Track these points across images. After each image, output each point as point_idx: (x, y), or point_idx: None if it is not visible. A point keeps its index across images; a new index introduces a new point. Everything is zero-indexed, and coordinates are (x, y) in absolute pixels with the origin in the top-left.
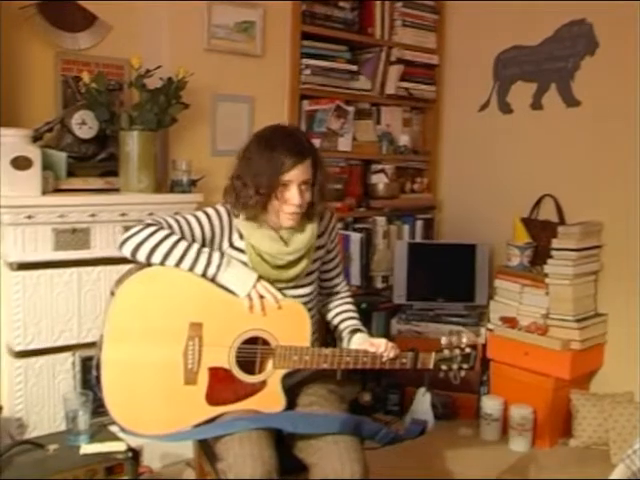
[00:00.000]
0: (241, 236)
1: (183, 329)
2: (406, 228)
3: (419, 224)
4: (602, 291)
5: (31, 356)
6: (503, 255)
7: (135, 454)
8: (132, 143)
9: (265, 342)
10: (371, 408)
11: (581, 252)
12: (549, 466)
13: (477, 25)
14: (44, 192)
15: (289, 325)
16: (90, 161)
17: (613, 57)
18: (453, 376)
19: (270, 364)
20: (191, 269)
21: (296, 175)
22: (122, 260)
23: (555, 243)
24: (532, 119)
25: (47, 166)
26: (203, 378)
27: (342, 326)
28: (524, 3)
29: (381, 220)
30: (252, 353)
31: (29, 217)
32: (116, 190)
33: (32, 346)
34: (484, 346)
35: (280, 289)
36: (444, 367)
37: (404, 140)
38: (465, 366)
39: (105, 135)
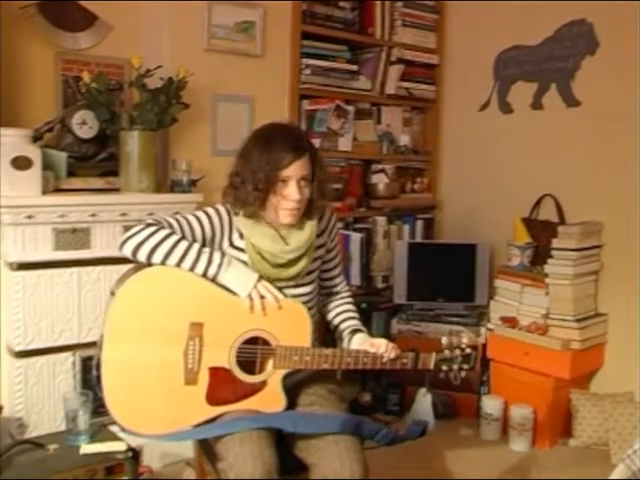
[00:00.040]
0: (241, 235)
1: (183, 329)
2: (406, 228)
3: (419, 224)
4: (602, 291)
5: (31, 356)
6: (503, 255)
7: (135, 454)
8: (132, 143)
9: (265, 342)
10: (371, 408)
11: (581, 252)
12: (549, 466)
13: (477, 25)
14: (44, 192)
15: (290, 325)
16: (90, 161)
17: (613, 57)
18: (453, 376)
19: (270, 364)
20: (192, 269)
21: (295, 171)
22: (122, 260)
23: (555, 243)
24: (532, 119)
25: (47, 166)
26: (203, 378)
27: (342, 326)
28: (524, 3)
29: (381, 220)
30: (252, 353)
31: (29, 217)
32: (116, 190)
33: (32, 346)
34: (484, 346)
35: (280, 288)
36: (444, 367)
37: (404, 140)
38: (465, 366)
39: (105, 135)
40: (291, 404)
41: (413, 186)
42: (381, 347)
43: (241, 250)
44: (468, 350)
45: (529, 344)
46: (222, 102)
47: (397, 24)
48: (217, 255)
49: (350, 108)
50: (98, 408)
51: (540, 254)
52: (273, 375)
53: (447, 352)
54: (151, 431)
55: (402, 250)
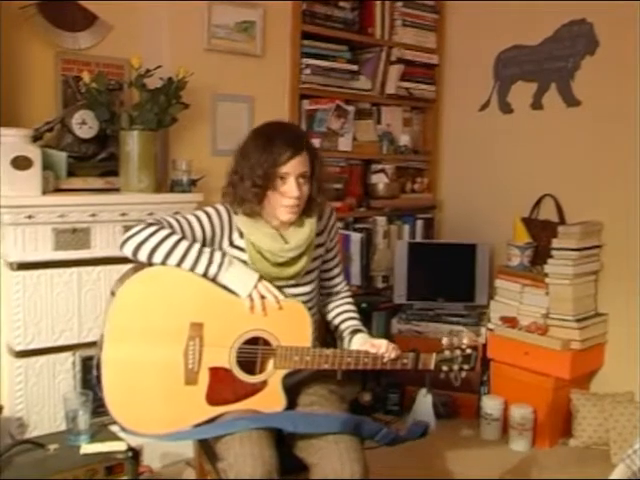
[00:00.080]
0: (241, 234)
1: (184, 329)
2: (406, 228)
3: (419, 224)
4: (602, 291)
5: (31, 356)
6: (503, 255)
7: (135, 454)
8: (132, 143)
9: (266, 342)
10: (371, 408)
11: (581, 252)
12: (549, 466)
13: (477, 25)
14: (44, 192)
15: (290, 325)
16: (90, 161)
17: (613, 57)
18: (454, 377)
19: (271, 364)
20: (192, 269)
21: (293, 167)
22: (122, 260)
23: (555, 243)
24: (532, 119)
25: (47, 166)
26: (204, 378)
27: (343, 326)
28: (524, 3)
29: (381, 220)
30: (253, 353)
31: (29, 217)
32: (116, 190)
33: (32, 346)
34: (484, 346)
35: (280, 287)
36: (445, 368)
37: (404, 140)
38: (466, 367)
39: (105, 135)
40: (291, 404)
41: (413, 186)
42: (382, 347)
43: (241, 249)
44: (468, 350)
45: (529, 344)
46: (222, 102)
47: (397, 24)
48: (218, 255)
49: (350, 108)
50: (98, 408)
51: (540, 254)
52: (273, 375)
53: (447, 352)
54: (151, 431)
55: (402, 250)
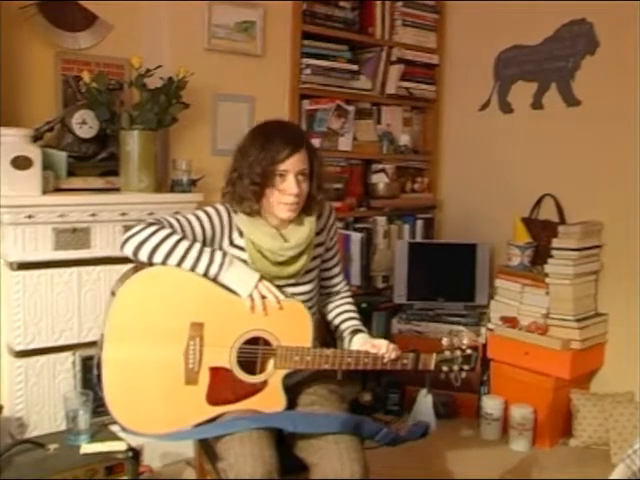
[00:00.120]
0: (241, 234)
1: (184, 329)
2: (406, 228)
3: (419, 224)
4: (602, 291)
5: (31, 356)
6: (503, 255)
7: (135, 453)
8: (132, 143)
9: (266, 342)
10: (371, 408)
11: (581, 252)
12: (549, 466)
13: (477, 25)
14: (44, 192)
15: (290, 325)
16: (90, 161)
17: (613, 57)
18: (454, 377)
19: (271, 364)
20: (193, 268)
21: (292, 164)
22: (122, 260)
23: (555, 243)
24: (532, 119)
25: (47, 166)
26: (204, 378)
27: (343, 326)
28: (524, 3)
29: (381, 220)
30: (253, 353)
31: (29, 217)
32: (116, 190)
33: (32, 346)
34: (484, 346)
35: (280, 286)
36: (445, 368)
37: (404, 140)
38: (466, 367)
39: (105, 135)
40: (291, 404)
41: (413, 186)
42: (382, 348)
43: (241, 249)
44: (469, 351)
45: (529, 344)
46: (222, 102)
47: (397, 24)
48: (218, 255)
49: (350, 108)
50: (98, 408)
51: (540, 254)
52: (274, 375)
53: (447, 353)
54: (151, 431)
55: (402, 250)
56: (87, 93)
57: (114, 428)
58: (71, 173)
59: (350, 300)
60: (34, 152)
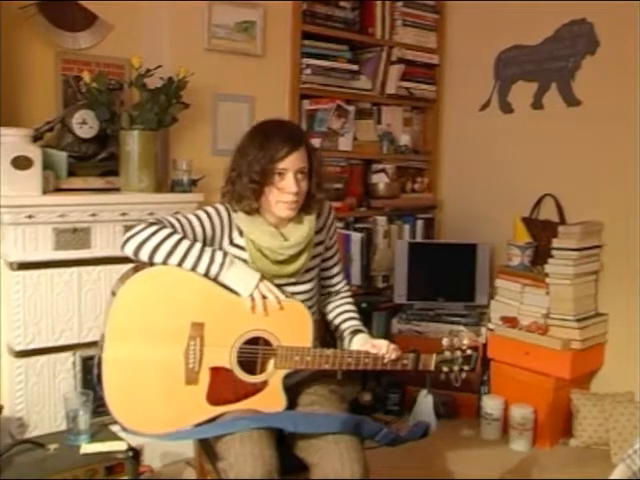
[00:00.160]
0: (241, 233)
1: (185, 329)
2: (407, 228)
3: (420, 224)
4: (602, 291)
5: (31, 356)
6: (504, 255)
7: (136, 453)
8: (132, 143)
9: (267, 342)
10: (371, 408)
11: (581, 252)
12: (550, 466)
13: (478, 25)
14: (44, 192)
15: (291, 325)
16: (90, 161)
17: (614, 56)
18: (454, 378)
19: (271, 364)
20: (194, 268)
21: (291, 162)
22: (123, 260)
23: (556, 243)
24: (533, 119)
25: (47, 166)
26: (204, 378)
27: (343, 326)
28: (524, 3)
29: (382, 220)
30: (254, 353)
31: (29, 217)
32: (117, 190)
33: (32, 346)
34: (485, 346)
35: (280, 285)
36: (445, 369)
37: (405, 140)
38: (466, 368)
39: (105, 135)
40: (291, 404)
41: (413, 186)
42: (382, 348)
43: (241, 248)
44: (469, 351)
45: (529, 344)
46: (222, 102)
47: (397, 24)
48: (219, 254)
49: (351, 108)
50: (98, 408)
51: (540, 254)
52: (274, 375)
53: (448, 353)
54: (152, 430)
55: (402, 250)
56: (87, 93)
57: (114, 428)
58: (71, 173)
59: (350, 300)
60: (34, 152)
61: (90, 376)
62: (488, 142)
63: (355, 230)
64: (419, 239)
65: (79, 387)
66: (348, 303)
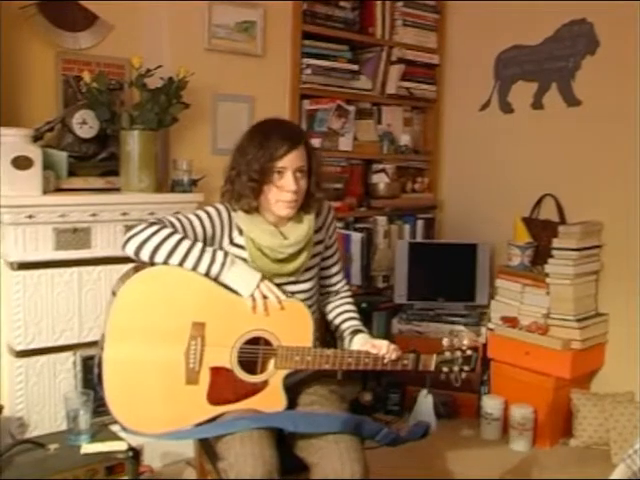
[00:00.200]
0: (241, 232)
1: (185, 328)
2: (407, 228)
3: (420, 224)
4: (603, 291)
5: (32, 355)
6: (504, 255)
7: (136, 453)
8: (133, 143)
9: (267, 342)
10: (372, 408)
11: (582, 252)
12: (550, 466)
13: (478, 25)
14: (45, 192)
15: (291, 326)
16: (91, 161)
17: (614, 56)
18: (454, 378)
19: (272, 364)
20: (194, 268)
21: (290, 161)
22: (123, 260)
23: (556, 243)
24: (533, 119)
25: (48, 166)
26: (205, 378)
27: (343, 326)
28: (525, 3)
29: (382, 220)
30: (254, 353)
31: (30, 217)
32: (117, 190)
33: (33, 345)
34: (485, 346)
35: (280, 284)
36: (445, 369)
37: (405, 140)
38: (466, 368)
39: (106, 135)
40: (291, 404)
41: (414, 186)
42: (382, 349)
43: (241, 247)
44: (469, 352)
45: (530, 344)
46: (223, 102)
47: (398, 24)
48: (220, 254)
49: (351, 108)
50: (99, 408)
51: (541, 254)
52: (274, 375)
53: (448, 354)
54: (152, 430)
55: (403, 250)
56: (87, 93)
57: (114, 428)
58: (71, 173)
59: (350, 300)
60: (34, 152)
61: (90, 376)
62: (488, 142)
63: (355, 230)
64: (419, 239)
65: (79, 387)
66: (348, 303)
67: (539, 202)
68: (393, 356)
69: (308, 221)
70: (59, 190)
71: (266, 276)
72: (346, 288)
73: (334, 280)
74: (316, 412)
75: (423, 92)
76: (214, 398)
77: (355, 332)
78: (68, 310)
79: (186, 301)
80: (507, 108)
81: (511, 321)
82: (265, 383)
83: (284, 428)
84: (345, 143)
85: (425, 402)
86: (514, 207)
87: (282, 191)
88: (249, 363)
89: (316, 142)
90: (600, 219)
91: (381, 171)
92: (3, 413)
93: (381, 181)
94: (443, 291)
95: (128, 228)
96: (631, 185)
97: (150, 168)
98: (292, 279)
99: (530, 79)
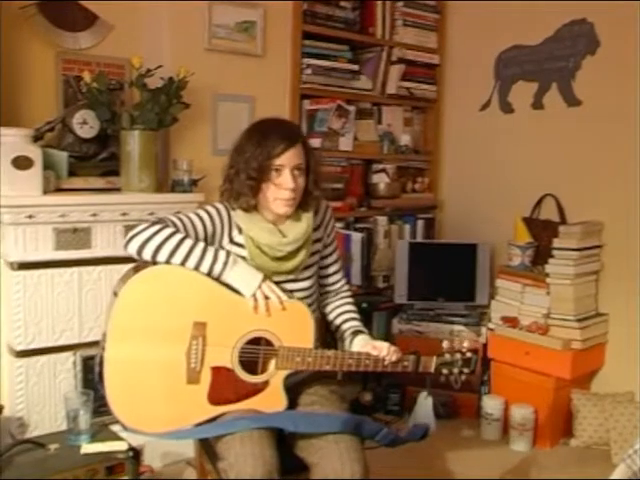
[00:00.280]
0: (240, 231)
1: (187, 328)
2: (407, 228)
3: (420, 224)
4: (603, 291)
5: (32, 355)
6: (504, 255)
7: (136, 453)
8: (133, 143)
9: (268, 343)
10: (372, 408)
11: (582, 252)
12: (550, 466)
13: (478, 25)
14: (45, 192)
15: (293, 326)
16: (91, 161)
17: (614, 56)
18: (454, 380)
19: (273, 365)
20: (197, 267)
21: (288, 159)
22: (123, 260)
23: (556, 243)
24: (533, 119)
25: (48, 166)
26: (206, 377)
27: (344, 327)
28: (525, 3)
29: (382, 220)
30: (255, 353)
31: (30, 217)
32: (117, 190)
33: (33, 345)
34: (485, 346)
35: (279, 282)
36: (445, 371)
37: (405, 140)
38: (466, 370)
39: (106, 135)
40: (292, 404)
41: (414, 186)
42: (383, 350)
43: (241, 246)
44: (469, 354)
45: (530, 344)
46: (223, 102)
47: (398, 24)
48: (222, 253)
49: (351, 108)
50: (99, 407)
51: (541, 254)
52: (275, 375)
53: (448, 356)
54: (152, 429)
55: (403, 250)
56: (88, 93)
57: (115, 428)
58: (72, 173)
59: (350, 300)
60: (35, 152)
61: (91, 376)
62: (488, 142)
63: (355, 230)
64: (420, 239)
65: (79, 387)
66: (348, 303)
67: (539, 202)
68: (393, 358)
69: (306, 219)
70: (59, 190)
71: (265, 273)
72: (346, 288)
73: (334, 279)
74: (316, 412)
75: (423, 92)
76: (215, 398)
77: (355, 333)
78: (68, 310)
79: (188, 301)
80: (507, 108)
81: (511, 321)
82: (266, 383)
83: (284, 428)
84: (345, 143)
85: (425, 404)
86: (514, 207)
87: (280, 189)
88: (250, 363)
89: (316, 142)
90: (600, 219)
91: (381, 171)
92: (3, 413)
93: (381, 181)
94: (443, 291)
95: (128, 228)
96: (631, 185)
97: (150, 168)
98: (291, 277)
99: (530, 79)
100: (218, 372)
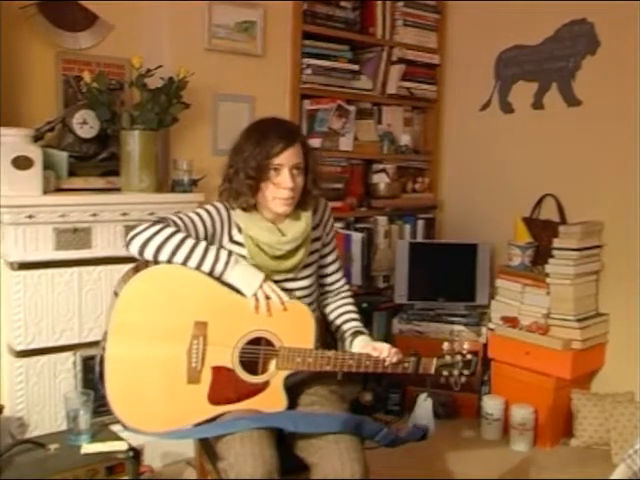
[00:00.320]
0: (240, 230)
1: (188, 327)
2: (407, 228)
3: (420, 224)
4: (603, 291)
5: (32, 355)
6: (504, 255)
7: (136, 453)
8: (133, 143)
9: (269, 343)
10: (372, 408)
11: (582, 252)
12: (550, 466)
13: (478, 25)
14: (45, 192)
15: (293, 327)
16: (91, 161)
17: (614, 56)
18: (454, 382)
19: (273, 365)
20: (198, 266)
21: (287, 158)
22: (123, 260)
23: (556, 243)
24: (533, 119)
25: (48, 166)
26: (206, 377)
27: (344, 327)
28: (525, 3)
29: (382, 220)
30: (255, 354)
31: (30, 217)
32: (117, 190)
33: (33, 345)
34: (485, 346)
35: (279, 281)
36: (445, 373)
37: (405, 140)
38: (466, 372)
39: (106, 135)
40: (292, 404)
41: (414, 186)
42: (383, 352)
43: (241, 245)
44: (469, 356)
45: (530, 344)
46: (223, 102)
47: (398, 24)
48: (224, 253)
49: (351, 108)
50: (99, 407)
51: (541, 254)
52: (275, 376)
53: (448, 357)
54: (152, 429)
55: (403, 250)
56: (88, 93)
57: (115, 428)
58: (72, 173)
59: (351, 300)
60: (35, 152)
61: (91, 375)
62: (489, 142)
63: (356, 230)
64: (420, 239)
65: (80, 387)
66: (349, 304)
67: (539, 202)
68: (394, 359)
69: (305, 218)
70: (59, 190)
71: (265, 272)
72: (346, 288)
73: (333, 278)
74: (316, 412)
75: (423, 92)
76: (215, 398)
77: (356, 334)
78: (68, 310)
79: (189, 300)
80: (507, 108)
81: (511, 321)
82: (266, 383)
83: (284, 428)
84: (345, 143)
85: (424, 405)
86: (514, 207)
87: (279, 188)
88: (250, 363)
89: (316, 142)
90: (600, 219)
91: (381, 171)
92: (3, 413)
93: (381, 181)
94: (443, 291)
95: (128, 228)
96: (631, 185)
97: (150, 168)
98: (290, 276)
99: (530, 79)
100: (219, 372)
